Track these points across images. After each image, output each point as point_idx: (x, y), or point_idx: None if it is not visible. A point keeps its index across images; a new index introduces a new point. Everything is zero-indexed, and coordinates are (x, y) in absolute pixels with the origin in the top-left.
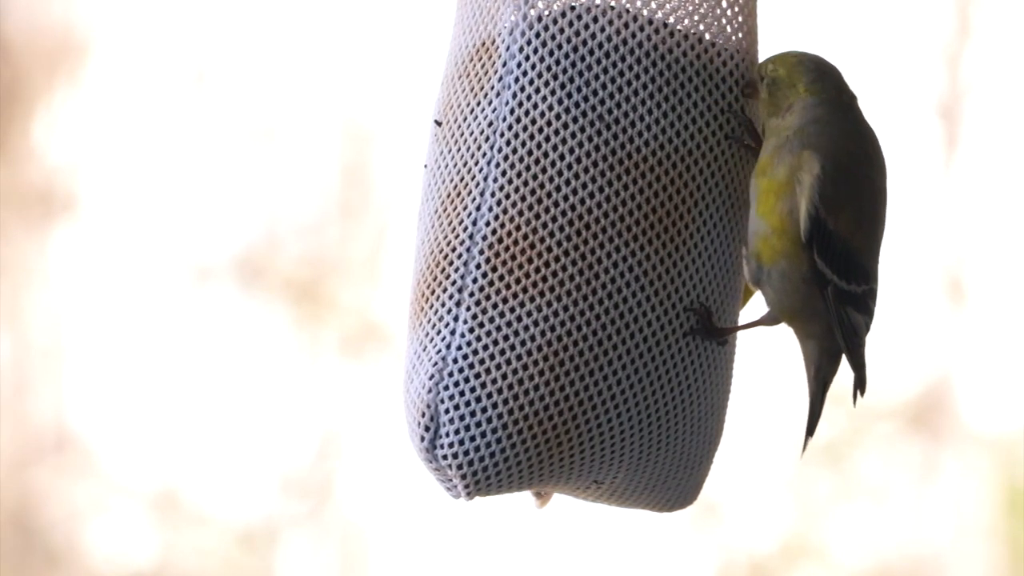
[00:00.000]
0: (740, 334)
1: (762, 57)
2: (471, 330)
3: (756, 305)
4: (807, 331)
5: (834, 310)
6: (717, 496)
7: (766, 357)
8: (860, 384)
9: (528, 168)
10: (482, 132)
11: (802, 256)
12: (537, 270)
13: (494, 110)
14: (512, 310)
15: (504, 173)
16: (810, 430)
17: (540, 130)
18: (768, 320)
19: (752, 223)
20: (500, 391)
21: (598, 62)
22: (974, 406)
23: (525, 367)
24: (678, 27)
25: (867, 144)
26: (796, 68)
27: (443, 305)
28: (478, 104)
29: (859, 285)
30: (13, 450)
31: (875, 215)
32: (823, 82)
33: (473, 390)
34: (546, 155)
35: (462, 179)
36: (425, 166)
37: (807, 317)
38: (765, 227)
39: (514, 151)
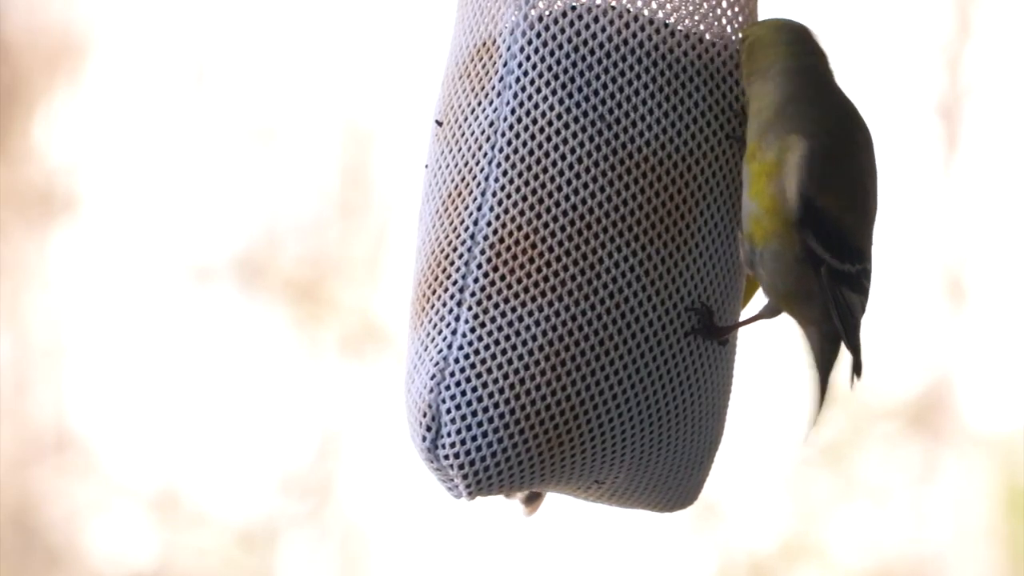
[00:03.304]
0: (740, 335)
1: None
2: (472, 330)
3: (756, 305)
4: (805, 316)
5: (829, 290)
6: (717, 496)
7: (766, 357)
8: (856, 367)
9: (529, 168)
10: (483, 132)
11: (794, 236)
12: (539, 270)
13: (495, 110)
14: (513, 310)
15: (505, 173)
16: (814, 415)
17: (541, 130)
18: (768, 312)
19: (744, 205)
20: (502, 391)
21: (599, 62)
22: (974, 406)
23: (527, 367)
24: (679, 27)
25: (849, 122)
26: (775, 30)
27: (444, 305)
28: (479, 104)
29: (853, 264)
30: (13, 450)
31: (864, 193)
32: (801, 44)
33: (475, 390)
34: (547, 155)
35: (463, 179)
36: (426, 166)
37: (802, 299)
38: (756, 208)
39: (515, 151)
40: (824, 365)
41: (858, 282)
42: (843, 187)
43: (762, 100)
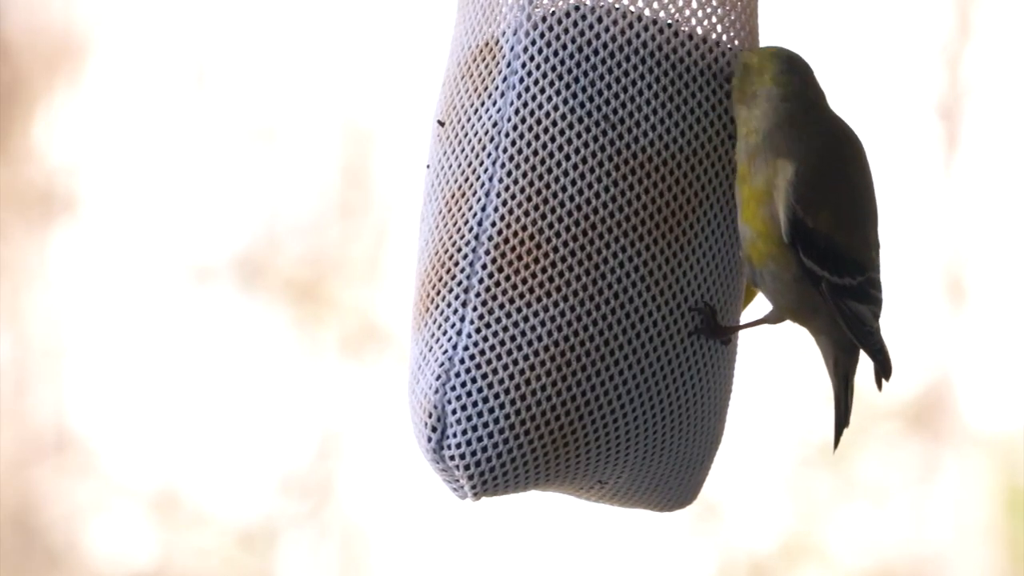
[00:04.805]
0: (741, 334)
1: None
2: (477, 330)
3: (758, 307)
4: (814, 327)
5: (832, 304)
6: (717, 496)
7: (766, 357)
8: (884, 370)
9: (533, 168)
10: (486, 132)
11: (789, 257)
12: (543, 270)
13: (498, 110)
14: (518, 310)
15: (509, 173)
16: (839, 424)
17: (545, 130)
18: (772, 318)
19: (740, 228)
20: (507, 391)
21: (603, 62)
22: (974, 406)
23: (532, 367)
24: (682, 28)
25: (838, 143)
26: (769, 58)
27: (449, 306)
28: (482, 104)
29: (852, 277)
30: (13, 450)
31: (856, 210)
32: (791, 75)
33: (480, 390)
34: (551, 155)
35: (466, 179)
36: (428, 166)
37: (808, 313)
38: (750, 232)
39: (519, 151)
40: (839, 373)
41: (863, 292)
42: (832, 207)
43: (748, 125)
